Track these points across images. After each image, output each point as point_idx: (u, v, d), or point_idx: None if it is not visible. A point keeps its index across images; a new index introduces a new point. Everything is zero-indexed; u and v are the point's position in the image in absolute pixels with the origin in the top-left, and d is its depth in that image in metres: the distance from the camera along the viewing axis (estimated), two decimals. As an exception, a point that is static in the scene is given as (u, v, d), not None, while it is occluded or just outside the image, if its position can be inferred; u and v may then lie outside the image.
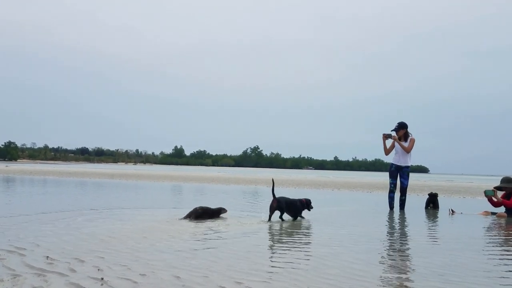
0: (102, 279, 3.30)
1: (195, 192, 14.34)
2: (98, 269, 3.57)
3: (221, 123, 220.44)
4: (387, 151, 9.44)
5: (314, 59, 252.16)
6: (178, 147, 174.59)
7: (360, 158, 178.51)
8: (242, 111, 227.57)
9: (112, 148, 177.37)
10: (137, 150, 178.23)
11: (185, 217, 6.88)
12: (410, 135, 9.40)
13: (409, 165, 9.44)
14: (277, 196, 7.05)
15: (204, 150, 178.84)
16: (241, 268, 3.71)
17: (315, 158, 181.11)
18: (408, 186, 9.56)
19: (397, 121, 9.52)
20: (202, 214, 6.95)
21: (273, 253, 4.42)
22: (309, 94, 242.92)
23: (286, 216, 7.17)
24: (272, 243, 4.99)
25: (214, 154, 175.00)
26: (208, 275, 3.47)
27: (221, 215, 7.25)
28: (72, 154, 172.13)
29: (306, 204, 7.43)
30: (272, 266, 3.81)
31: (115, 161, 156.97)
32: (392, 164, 9.40)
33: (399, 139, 9.35)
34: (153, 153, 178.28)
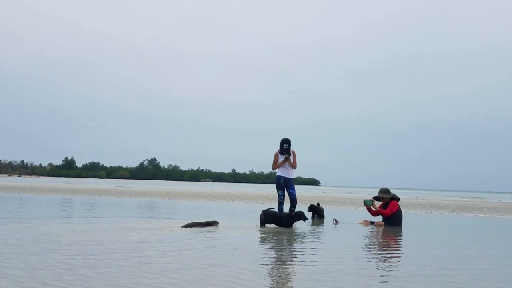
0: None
1: (82, 205, 13.57)
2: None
3: (116, 134, 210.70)
4: (278, 167, 9.70)
5: (224, 73, 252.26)
6: (69, 158, 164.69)
7: (257, 171, 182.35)
8: (139, 121, 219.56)
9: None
10: (22, 161, 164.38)
11: (184, 226, 7.67)
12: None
13: (294, 176, 9.86)
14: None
15: (98, 162, 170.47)
16: (120, 282, 3.56)
17: (213, 171, 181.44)
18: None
19: (282, 137, 9.77)
20: (196, 225, 7.81)
21: (158, 266, 4.31)
22: (209, 109, 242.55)
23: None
24: (159, 256, 4.86)
25: (108, 166, 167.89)
26: (83, 291, 3.28)
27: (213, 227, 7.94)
28: None
29: (296, 216, 8.55)
30: (155, 279, 3.71)
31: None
32: (280, 176, 9.68)
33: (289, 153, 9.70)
34: (40, 164, 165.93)
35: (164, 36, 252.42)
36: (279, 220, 8.53)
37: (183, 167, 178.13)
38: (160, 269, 4.14)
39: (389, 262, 5.18)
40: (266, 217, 8.42)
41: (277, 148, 9.62)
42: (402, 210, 10.15)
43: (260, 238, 6.87)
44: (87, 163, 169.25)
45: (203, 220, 8.27)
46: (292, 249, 5.89)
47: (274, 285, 3.70)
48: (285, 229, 8.18)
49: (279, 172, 9.66)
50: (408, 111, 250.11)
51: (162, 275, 3.87)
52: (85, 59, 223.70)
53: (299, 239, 7.00)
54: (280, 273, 4.22)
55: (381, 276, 4.27)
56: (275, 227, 8.40)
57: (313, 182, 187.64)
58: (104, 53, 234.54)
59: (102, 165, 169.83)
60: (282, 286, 3.68)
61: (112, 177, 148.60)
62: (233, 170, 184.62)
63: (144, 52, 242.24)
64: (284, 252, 5.64)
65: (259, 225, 8.50)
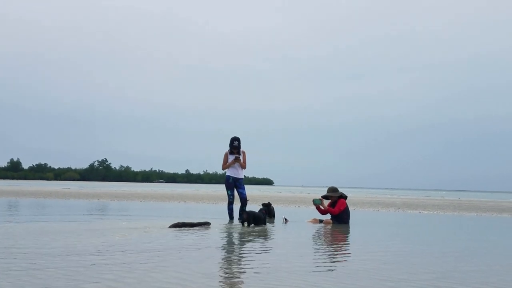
0: None
1: (27, 208, 13.03)
2: None
3: (64, 134, 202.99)
4: (227, 167, 9.72)
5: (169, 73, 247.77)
6: (15, 159, 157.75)
7: (210, 172, 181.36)
8: (89, 121, 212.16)
9: None
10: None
11: (171, 226, 7.84)
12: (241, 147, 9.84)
13: (243, 176, 9.93)
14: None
15: (45, 163, 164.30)
16: (57, 286, 3.46)
17: (166, 171, 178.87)
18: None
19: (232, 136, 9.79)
20: (185, 225, 7.97)
21: (102, 269, 4.20)
22: (162, 108, 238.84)
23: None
24: (103, 259, 4.75)
25: (56, 167, 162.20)
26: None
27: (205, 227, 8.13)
28: None
29: (267, 212, 9.40)
30: (95, 284, 3.62)
31: None
32: (229, 176, 9.71)
33: (238, 153, 9.75)
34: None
35: (121, 33, 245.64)
36: (258, 220, 8.93)
37: (135, 168, 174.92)
38: (103, 272, 4.04)
39: (334, 259, 5.31)
40: (248, 217, 8.79)
41: (227, 148, 9.65)
42: (351, 208, 10.43)
43: (218, 237, 6.84)
44: (34, 164, 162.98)
45: (186, 221, 8.31)
46: (242, 248, 5.92)
47: (217, 285, 3.70)
48: (244, 229, 8.21)
49: (228, 172, 9.69)
50: (351, 107, 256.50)
51: (104, 278, 3.78)
52: (27, 53, 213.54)
53: (250, 238, 7.04)
54: (225, 273, 4.23)
55: (325, 272, 4.38)
56: (251, 226, 8.70)
57: (267, 182, 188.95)
58: (49, 48, 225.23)
59: (50, 166, 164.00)
60: (224, 284, 3.69)
61: (60, 179, 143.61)
62: (187, 170, 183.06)
63: (94, 47, 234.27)
64: (233, 251, 5.65)
65: (241, 225, 8.77)
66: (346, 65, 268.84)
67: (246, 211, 8.97)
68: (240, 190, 9.70)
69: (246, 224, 8.75)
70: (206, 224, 8.27)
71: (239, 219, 9.47)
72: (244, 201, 9.80)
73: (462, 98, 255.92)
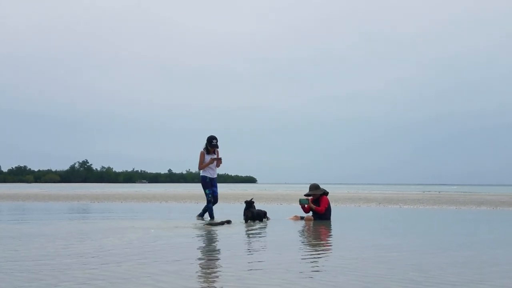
0: None
1: (1, 211, 12.76)
2: None
3: (44, 135, 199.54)
4: (204, 167, 9.70)
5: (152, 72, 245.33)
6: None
7: (193, 171, 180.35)
8: (69, 121, 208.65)
9: None
10: None
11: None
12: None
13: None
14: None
15: (25, 166, 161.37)
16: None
17: (149, 172, 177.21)
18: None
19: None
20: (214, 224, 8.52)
21: (75, 272, 4.10)
22: (143, 107, 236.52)
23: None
24: (80, 262, 4.63)
25: (36, 169, 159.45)
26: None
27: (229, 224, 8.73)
28: None
29: (264, 214, 9.81)
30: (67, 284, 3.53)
31: None
32: (206, 176, 9.76)
33: (214, 152, 9.75)
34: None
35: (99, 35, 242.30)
36: (258, 217, 9.47)
37: (117, 168, 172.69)
38: (76, 276, 3.94)
39: (313, 256, 5.29)
40: (253, 215, 9.34)
41: (203, 147, 9.67)
42: (333, 204, 10.42)
43: (197, 236, 6.76)
44: (13, 167, 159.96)
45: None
46: (220, 247, 5.87)
47: (192, 286, 3.64)
48: (224, 228, 8.16)
49: (204, 172, 9.73)
50: (332, 106, 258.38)
51: (76, 282, 3.68)
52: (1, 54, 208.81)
53: (229, 236, 6.98)
54: (202, 273, 4.17)
55: (303, 269, 4.35)
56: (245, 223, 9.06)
57: (250, 180, 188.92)
58: (26, 48, 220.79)
59: (30, 169, 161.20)
60: (200, 286, 3.63)
61: (40, 181, 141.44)
62: (169, 170, 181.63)
63: (73, 47, 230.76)
64: (211, 250, 5.60)
65: (244, 221, 9.19)
66: (327, 65, 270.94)
67: (249, 209, 9.34)
68: (214, 189, 9.85)
69: (249, 221, 9.20)
70: (228, 222, 8.82)
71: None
72: (216, 199, 9.92)
73: (434, 97, 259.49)
